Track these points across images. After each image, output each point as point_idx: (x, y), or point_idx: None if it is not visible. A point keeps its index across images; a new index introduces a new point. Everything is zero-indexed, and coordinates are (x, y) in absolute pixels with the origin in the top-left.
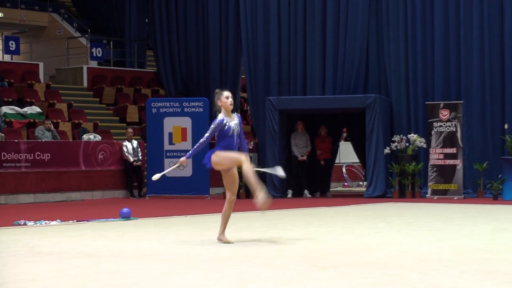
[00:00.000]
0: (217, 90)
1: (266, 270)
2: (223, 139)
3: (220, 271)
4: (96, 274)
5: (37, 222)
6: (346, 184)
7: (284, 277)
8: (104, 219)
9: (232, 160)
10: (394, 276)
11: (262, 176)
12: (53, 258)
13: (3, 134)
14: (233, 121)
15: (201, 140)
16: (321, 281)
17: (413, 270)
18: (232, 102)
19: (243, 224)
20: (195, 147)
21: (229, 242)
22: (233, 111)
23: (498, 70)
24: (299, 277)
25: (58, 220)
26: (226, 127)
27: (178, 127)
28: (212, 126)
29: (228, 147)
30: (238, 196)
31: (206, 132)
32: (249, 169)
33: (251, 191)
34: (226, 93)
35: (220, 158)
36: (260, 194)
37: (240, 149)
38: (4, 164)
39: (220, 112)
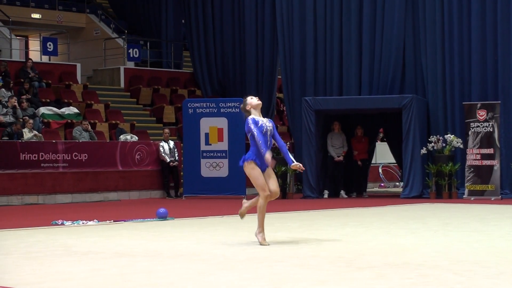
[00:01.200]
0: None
1: (301, 270)
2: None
3: (255, 272)
4: (132, 274)
5: (74, 222)
6: (382, 184)
7: (319, 278)
8: (141, 219)
9: (255, 183)
10: (430, 277)
11: (299, 176)
12: (89, 258)
13: (40, 134)
14: (265, 122)
15: (258, 140)
16: (357, 282)
17: (449, 271)
18: (259, 99)
19: (279, 224)
20: (260, 145)
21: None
22: (268, 116)
23: None
24: (334, 277)
25: (95, 220)
26: (259, 124)
27: (215, 127)
28: (250, 127)
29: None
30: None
31: (254, 132)
32: (262, 206)
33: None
34: (250, 96)
35: (249, 172)
36: (260, 234)
37: (280, 149)
38: (42, 165)
39: (250, 114)
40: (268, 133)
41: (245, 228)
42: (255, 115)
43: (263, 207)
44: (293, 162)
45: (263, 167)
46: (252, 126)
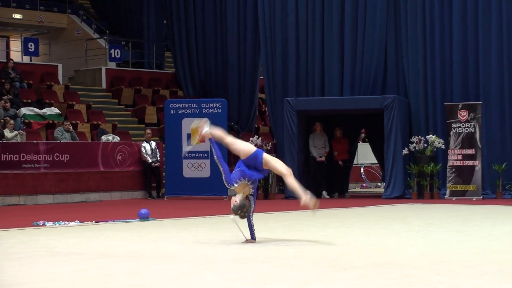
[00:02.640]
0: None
1: (285, 271)
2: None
3: (239, 272)
4: (115, 275)
5: (56, 222)
6: (364, 185)
7: (303, 278)
8: (123, 220)
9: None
10: (412, 277)
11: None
12: (72, 259)
13: (24, 132)
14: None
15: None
16: (340, 282)
17: (432, 271)
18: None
19: (261, 225)
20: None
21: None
22: (250, 116)
23: None
24: (317, 278)
25: (77, 220)
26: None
27: (197, 128)
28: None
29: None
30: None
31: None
32: (294, 183)
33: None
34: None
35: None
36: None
37: None
38: (23, 165)
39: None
40: None
41: (228, 229)
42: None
43: (294, 183)
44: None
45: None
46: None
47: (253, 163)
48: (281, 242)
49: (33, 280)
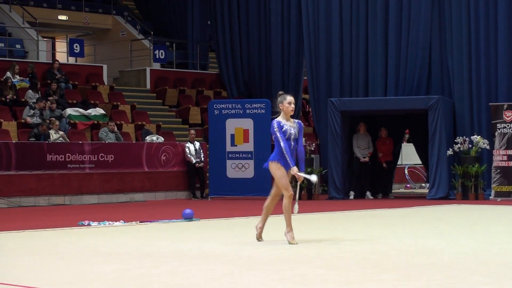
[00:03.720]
0: (280, 93)
1: (327, 271)
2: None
3: (281, 272)
4: (158, 275)
5: (100, 223)
6: (408, 185)
7: (345, 279)
8: (167, 220)
9: (280, 183)
10: (456, 279)
11: (325, 177)
12: (115, 259)
13: (64, 134)
14: (291, 126)
15: (283, 146)
16: (382, 283)
17: (475, 273)
18: (294, 108)
19: (305, 226)
20: (286, 154)
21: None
22: (294, 117)
23: None
24: (360, 278)
25: (121, 221)
26: (283, 129)
27: (240, 128)
28: (275, 130)
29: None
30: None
31: (278, 137)
32: (286, 206)
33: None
34: (290, 98)
35: (274, 172)
36: (289, 233)
37: (296, 154)
38: (68, 165)
39: (279, 115)
40: (292, 137)
41: (271, 229)
42: (282, 119)
43: (288, 207)
44: (300, 172)
45: (287, 167)
46: (277, 131)
47: None
48: (324, 243)
49: (77, 280)
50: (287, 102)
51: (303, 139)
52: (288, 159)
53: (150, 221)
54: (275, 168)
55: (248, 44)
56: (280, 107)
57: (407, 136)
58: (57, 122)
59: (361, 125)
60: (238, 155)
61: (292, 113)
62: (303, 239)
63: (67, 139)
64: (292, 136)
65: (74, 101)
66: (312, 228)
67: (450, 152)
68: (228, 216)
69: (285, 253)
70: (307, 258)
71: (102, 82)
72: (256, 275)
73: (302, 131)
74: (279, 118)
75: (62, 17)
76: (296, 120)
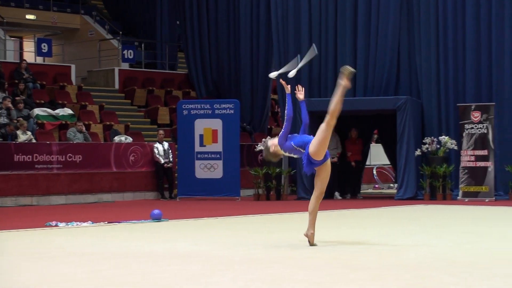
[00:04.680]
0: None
1: (298, 271)
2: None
3: (252, 273)
4: (128, 275)
5: (68, 223)
6: (376, 186)
7: (316, 279)
8: (135, 221)
9: (325, 183)
10: (425, 279)
11: (293, 177)
12: (85, 260)
13: (30, 133)
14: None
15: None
16: (353, 283)
17: (444, 273)
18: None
19: (274, 226)
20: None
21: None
22: (262, 115)
23: None
24: (330, 278)
25: (89, 221)
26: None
27: (209, 129)
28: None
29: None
30: (268, 198)
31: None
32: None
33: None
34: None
35: (329, 171)
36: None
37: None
38: (36, 166)
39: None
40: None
41: (240, 229)
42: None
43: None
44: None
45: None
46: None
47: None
48: (294, 243)
49: (47, 281)
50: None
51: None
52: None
53: (119, 222)
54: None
55: (217, 44)
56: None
57: (375, 136)
58: (25, 124)
59: None
60: (206, 155)
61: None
62: (274, 239)
63: (34, 139)
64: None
65: (42, 101)
66: (282, 229)
67: (418, 152)
68: (197, 217)
69: (255, 254)
70: (279, 258)
71: (70, 82)
72: (227, 275)
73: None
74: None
75: (30, 17)
76: None
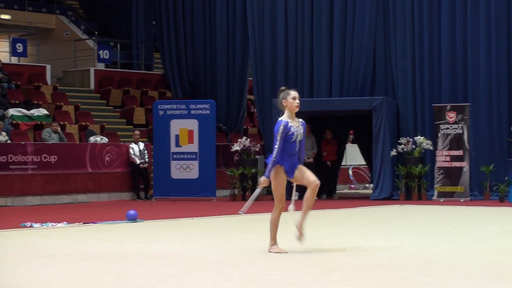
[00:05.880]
0: (282, 88)
1: (272, 272)
2: (283, 145)
3: (226, 273)
4: (103, 276)
5: (43, 224)
6: (352, 186)
7: (291, 279)
8: (111, 221)
9: (277, 195)
10: (400, 279)
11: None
12: (59, 260)
13: (4, 133)
14: (297, 126)
15: (274, 154)
16: (327, 283)
17: (419, 273)
18: (299, 104)
19: (249, 226)
20: (269, 164)
21: (283, 252)
22: (238, 115)
23: (505, 72)
24: (305, 279)
25: (64, 222)
26: (290, 132)
27: (185, 129)
28: (278, 132)
29: (289, 154)
30: (244, 198)
31: (276, 145)
32: (275, 218)
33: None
34: (294, 93)
35: (273, 179)
36: (272, 247)
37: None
38: (11, 166)
39: (283, 114)
40: (298, 139)
41: (216, 230)
42: (289, 118)
43: (276, 219)
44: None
45: (291, 170)
46: (280, 134)
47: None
48: (269, 243)
49: (21, 282)
50: (291, 97)
51: (248, 139)
52: (269, 168)
53: (94, 223)
54: (275, 173)
55: (193, 45)
56: (284, 104)
57: (351, 137)
58: (0, 124)
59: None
60: (182, 156)
61: (297, 109)
62: (248, 239)
63: (9, 140)
64: (298, 138)
65: (17, 101)
66: (257, 229)
67: (393, 152)
68: (173, 217)
69: (229, 254)
70: (252, 258)
71: (45, 82)
72: (201, 275)
73: (305, 129)
74: (285, 118)
75: (5, 16)
76: (300, 120)
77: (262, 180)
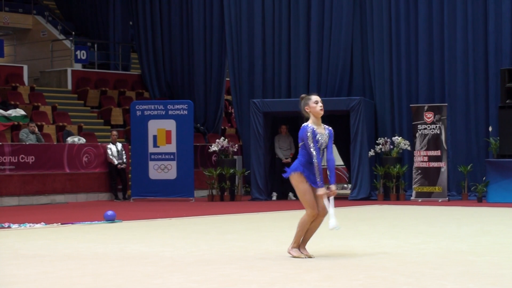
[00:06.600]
0: (303, 95)
1: (250, 272)
2: (307, 153)
3: (204, 274)
4: (80, 277)
5: (21, 225)
6: None
7: (268, 280)
8: (89, 222)
9: (302, 200)
10: (378, 279)
11: (247, 178)
12: (37, 261)
13: None
14: (323, 134)
15: (315, 161)
16: (305, 284)
17: (397, 273)
18: (323, 107)
19: (228, 226)
20: (318, 171)
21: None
22: (216, 116)
23: (482, 73)
24: (283, 279)
25: (42, 223)
26: (317, 138)
27: (163, 129)
28: (308, 138)
29: (310, 162)
30: (222, 199)
31: (311, 150)
32: (305, 222)
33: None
34: (315, 98)
35: (296, 185)
36: (292, 249)
37: (326, 163)
38: None
39: (308, 120)
40: (322, 147)
41: (194, 231)
42: (315, 124)
43: (306, 224)
44: (331, 185)
45: (311, 181)
46: (310, 140)
47: None
48: (246, 244)
49: None
50: (313, 102)
51: (226, 140)
52: (318, 177)
53: (72, 223)
54: (298, 181)
55: (171, 45)
56: (307, 110)
57: None
58: None
59: (282, 127)
60: (160, 156)
61: (322, 113)
62: (225, 240)
63: None
64: (323, 146)
65: None
66: (234, 229)
67: (371, 153)
68: (151, 218)
69: (207, 255)
70: (230, 259)
71: (22, 82)
72: (178, 276)
73: (332, 138)
74: (311, 123)
75: None
76: (327, 127)
77: (322, 192)
